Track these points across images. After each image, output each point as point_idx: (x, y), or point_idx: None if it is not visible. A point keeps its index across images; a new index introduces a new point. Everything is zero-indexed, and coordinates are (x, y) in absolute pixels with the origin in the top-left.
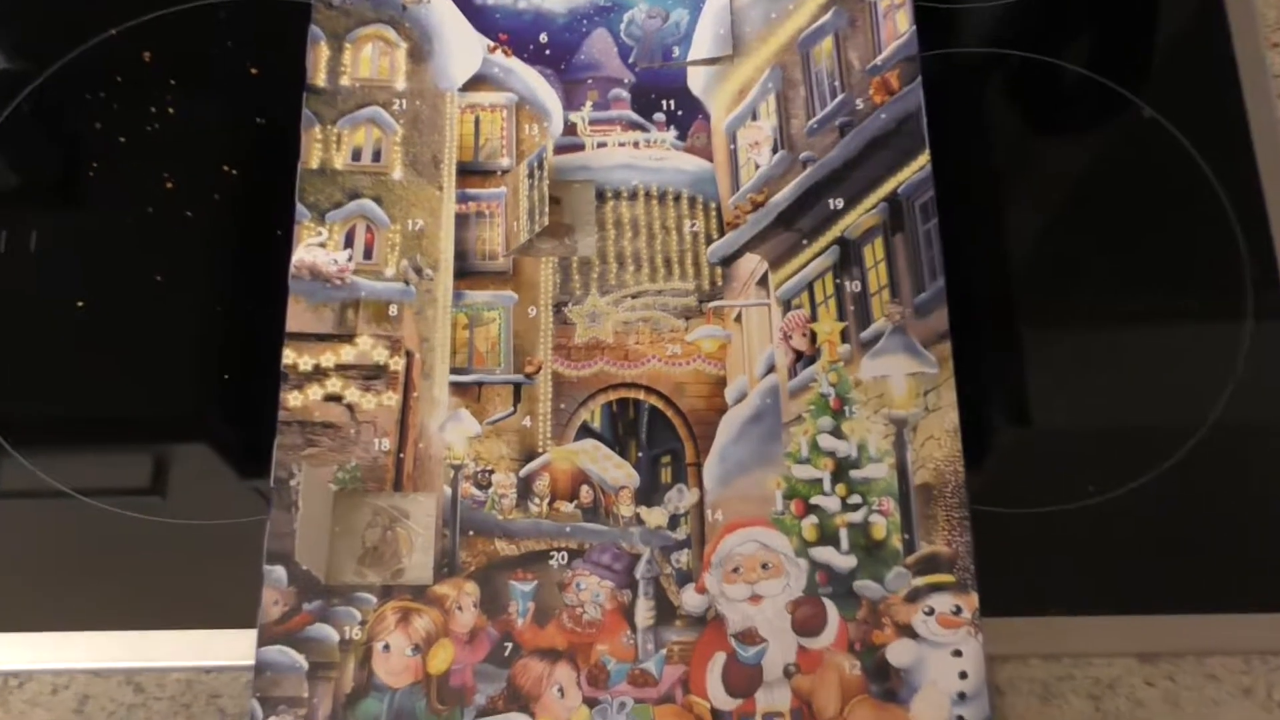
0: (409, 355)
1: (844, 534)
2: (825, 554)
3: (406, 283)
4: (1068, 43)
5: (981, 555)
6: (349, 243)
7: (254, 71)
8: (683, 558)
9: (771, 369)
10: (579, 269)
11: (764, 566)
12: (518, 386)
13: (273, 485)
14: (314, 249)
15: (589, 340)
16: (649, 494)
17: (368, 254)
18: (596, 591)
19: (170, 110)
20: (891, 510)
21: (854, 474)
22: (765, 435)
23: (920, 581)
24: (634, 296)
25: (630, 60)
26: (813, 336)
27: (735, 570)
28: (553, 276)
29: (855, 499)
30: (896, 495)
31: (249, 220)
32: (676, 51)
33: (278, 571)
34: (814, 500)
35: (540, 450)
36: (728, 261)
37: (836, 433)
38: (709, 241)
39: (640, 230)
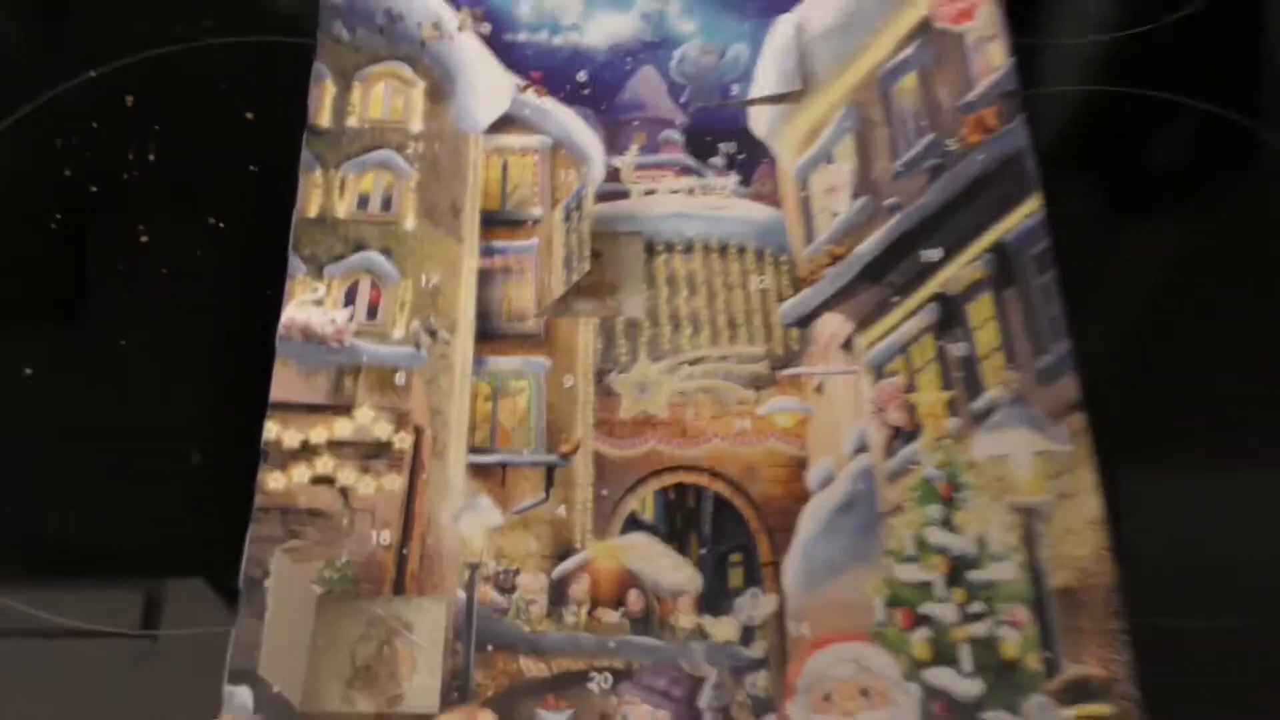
0: (418, 431)
1: (965, 652)
2: (942, 677)
3: (418, 346)
4: (1181, 77)
5: (1148, 679)
6: (350, 300)
7: (249, 116)
8: (759, 681)
9: (863, 448)
10: (625, 332)
11: (864, 693)
12: (550, 469)
13: (241, 586)
14: (308, 307)
15: (638, 415)
16: (715, 601)
17: (372, 313)
18: None
19: (151, 157)
20: (1025, 621)
21: (973, 575)
22: (859, 528)
23: (1070, 714)
24: (692, 363)
25: (682, 100)
26: (911, 409)
27: (826, 698)
28: (593, 341)
29: (977, 607)
30: (1030, 602)
31: (235, 278)
32: (736, 89)
33: (241, 694)
34: (924, 609)
35: (578, 546)
36: (804, 322)
37: (948, 525)
38: (781, 299)
39: (698, 288)
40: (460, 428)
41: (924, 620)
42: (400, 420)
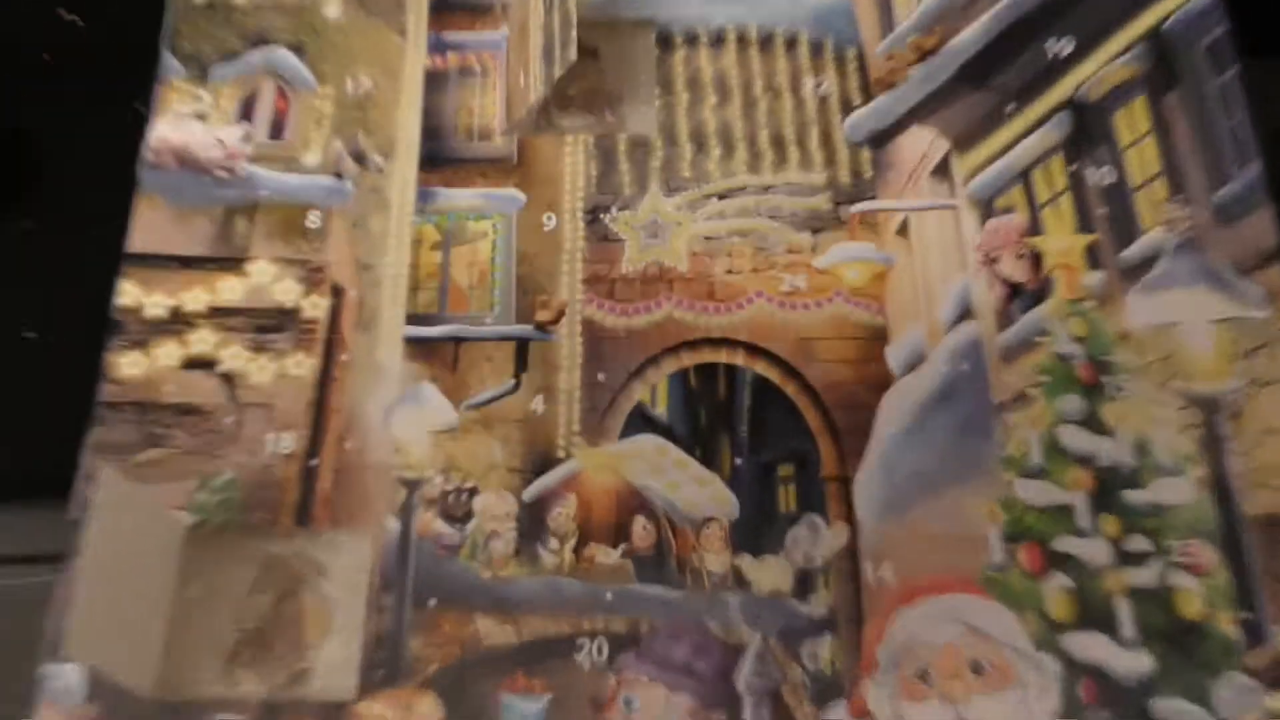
0: (337, 293)
1: (1124, 609)
2: (1092, 646)
3: (340, 175)
4: None
5: None
6: (246, 114)
7: None
8: (822, 651)
9: (967, 314)
10: (629, 154)
11: (975, 668)
12: (523, 345)
13: (73, 515)
14: (187, 123)
15: (647, 267)
16: (757, 533)
17: (277, 131)
18: (661, 714)
19: None
20: (1210, 564)
21: (1131, 497)
22: (963, 427)
23: None
24: (722, 196)
25: None
26: (1035, 259)
27: (921, 676)
28: (585, 167)
29: (1139, 543)
30: (1216, 535)
31: (88, 85)
32: None
33: (68, 675)
34: (1060, 545)
35: (561, 455)
36: (880, 139)
37: (1092, 422)
38: (847, 109)
39: (731, 93)
40: (397, 288)
41: (1061, 561)
42: (312, 279)
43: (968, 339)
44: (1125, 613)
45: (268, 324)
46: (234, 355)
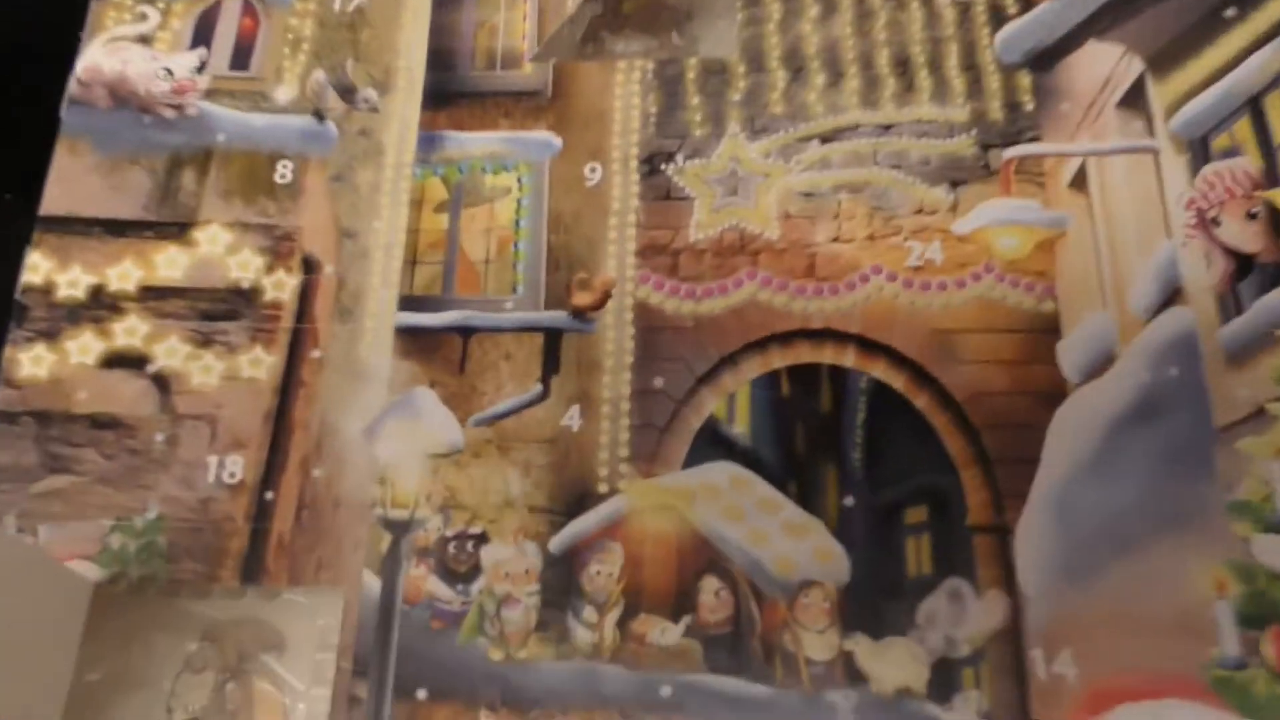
0: (310, 268)
1: None
2: None
3: (320, 117)
4: None
5: None
6: (202, 39)
7: None
8: None
9: (1175, 297)
10: (701, 85)
11: None
12: (554, 338)
13: None
14: (124, 47)
15: (724, 234)
16: (874, 604)
17: (241, 59)
18: None
19: None
20: None
21: None
22: (1172, 456)
23: None
24: (826, 139)
25: None
26: (1273, 219)
27: None
28: (641, 102)
29: None
30: None
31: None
32: None
33: None
34: None
35: (603, 490)
36: (1046, 60)
37: None
38: (999, 21)
39: (838, 6)
40: (389, 262)
41: None
42: (279, 249)
43: (1176, 332)
44: None
45: (217, 309)
46: (170, 350)
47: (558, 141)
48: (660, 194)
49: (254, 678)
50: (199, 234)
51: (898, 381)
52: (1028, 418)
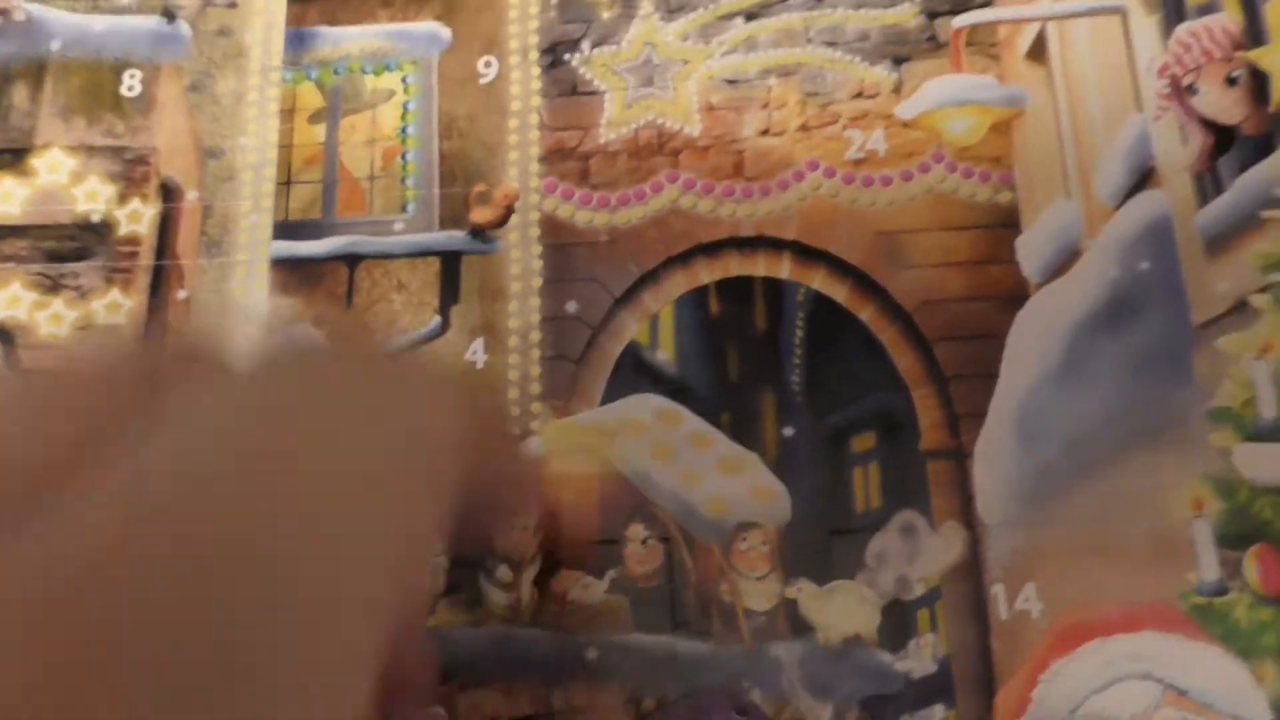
0: (169, 194)
1: None
2: None
3: (170, 16)
4: None
5: None
6: None
7: None
8: None
9: (1146, 179)
10: None
11: None
12: (451, 262)
13: None
14: None
15: (640, 131)
16: (820, 544)
17: None
18: None
19: None
20: None
21: None
22: (1144, 361)
23: None
24: (751, 16)
25: None
26: (1257, 84)
27: None
28: None
29: None
30: None
31: None
32: None
33: None
34: None
35: (514, 429)
36: None
37: None
38: None
39: None
40: (260, 183)
41: None
42: (132, 174)
43: (1149, 219)
44: None
45: (65, 248)
46: (13, 299)
47: (446, 33)
48: (565, 89)
49: None
50: (37, 161)
51: (840, 293)
52: (986, 326)
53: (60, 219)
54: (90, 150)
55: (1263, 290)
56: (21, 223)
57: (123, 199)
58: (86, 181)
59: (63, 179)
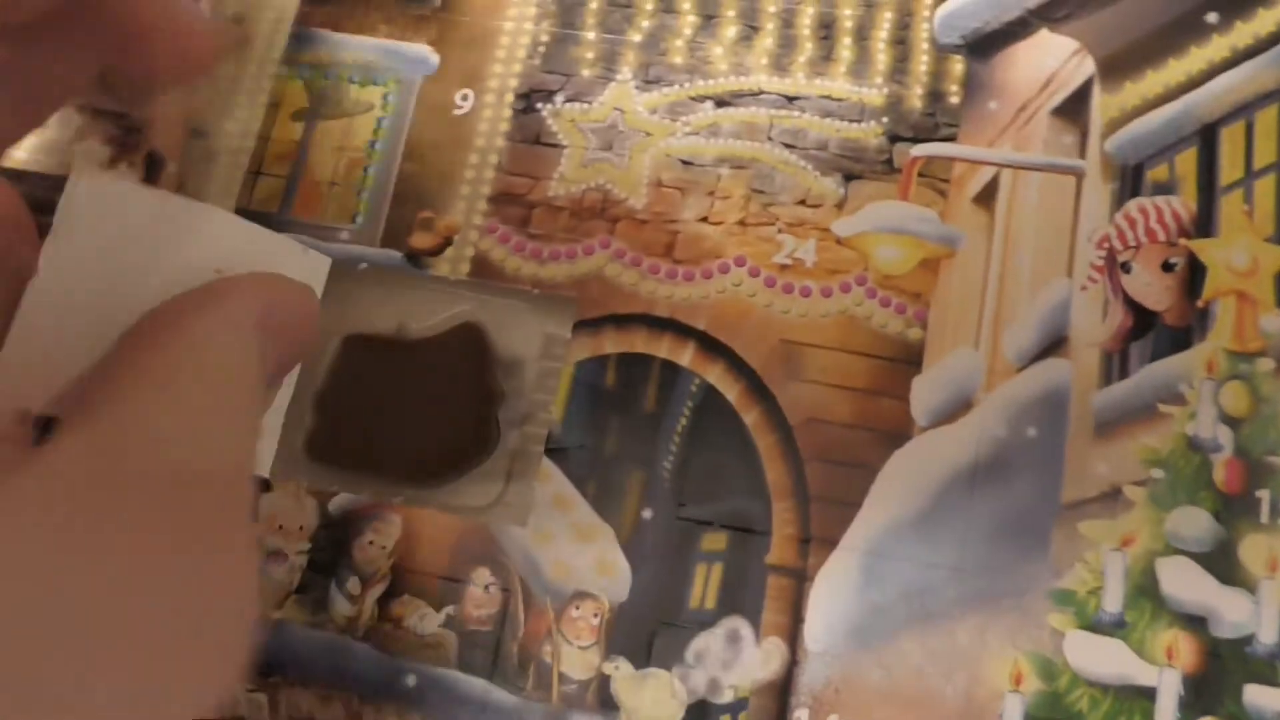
0: (154, 166)
1: None
2: None
3: None
4: None
5: None
6: None
7: None
8: None
9: (1057, 345)
10: (601, 19)
11: None
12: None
13: None
14: None
15: (587, 192)
16: (647, 629)
17: None
18: None
19: None
20: None
21: (1257, 699)
22: (1007, 526)
23: None
24: (723, 104)
25: None
26: (1191, 272)
27: None
28: (533, 28)
29: None
30: None
31: None
32: None
33: None
34: None
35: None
36: (987, 45)
37: (1221, 562)
38: None
39: None
40: (234, 170)
41: None
42: (127, 139)
43: (1047, 388)
44: None
45: (50, 199)
46: None
47: (435, 59)
48: (530, 136)
49: None
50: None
51: (733, 391)
52: (861, 457)
53: (55, 171)
54: (95, 113)
55: (1140, 483)
56: (19, 168)
57: (113, 162)
58: (86, 141)
59: (69, 135)
